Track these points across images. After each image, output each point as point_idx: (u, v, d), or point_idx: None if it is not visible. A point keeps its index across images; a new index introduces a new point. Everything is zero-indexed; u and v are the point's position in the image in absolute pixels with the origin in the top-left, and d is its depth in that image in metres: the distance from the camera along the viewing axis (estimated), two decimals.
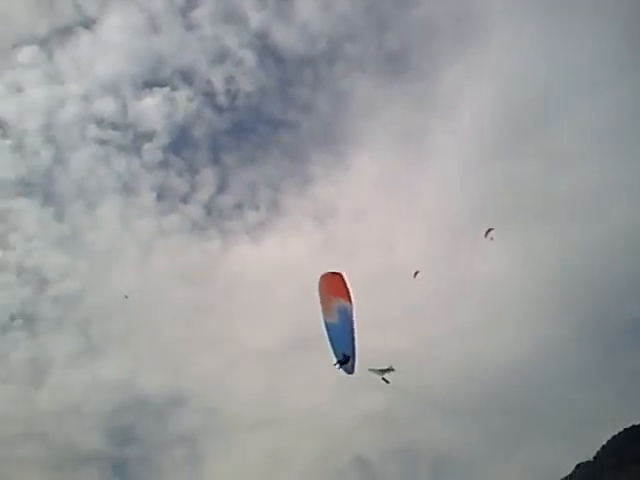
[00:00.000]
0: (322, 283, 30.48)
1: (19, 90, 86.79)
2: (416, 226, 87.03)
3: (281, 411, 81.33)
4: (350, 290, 30.09)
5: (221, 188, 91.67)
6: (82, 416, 77.35)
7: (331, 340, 30.65)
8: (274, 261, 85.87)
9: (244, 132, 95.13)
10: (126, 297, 73.11)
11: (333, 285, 30.22)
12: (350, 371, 31.01)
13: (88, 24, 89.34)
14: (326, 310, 30.53)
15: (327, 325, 30.77)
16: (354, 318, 30.90)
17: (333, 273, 30.37)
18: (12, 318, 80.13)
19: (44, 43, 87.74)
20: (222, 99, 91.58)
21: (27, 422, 76.28)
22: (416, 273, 43.48)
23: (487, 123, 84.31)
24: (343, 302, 30.39)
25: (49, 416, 77.10)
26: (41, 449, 75.09)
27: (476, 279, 79.63)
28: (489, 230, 42.44)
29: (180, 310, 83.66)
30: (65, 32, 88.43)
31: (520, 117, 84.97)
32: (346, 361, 30.04)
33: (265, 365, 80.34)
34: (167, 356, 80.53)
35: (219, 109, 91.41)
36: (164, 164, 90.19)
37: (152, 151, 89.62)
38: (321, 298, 30.57)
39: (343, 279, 29.99)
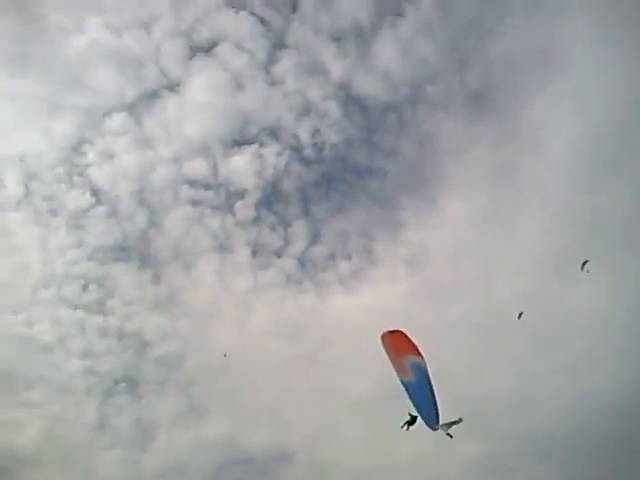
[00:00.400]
0: (386, 343, 30.23)
1: (111, 157, 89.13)
2: (512, 264, 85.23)
3: (386, 461, 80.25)
4: (416, 345, 29.67)
5: (313, 240, 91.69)
6: (188, 476, 77.97)
7: (411, 398, 30.21)
8: (370, 309, 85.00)
9: (332, 182, 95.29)
10: (225, 355, 73.93)
11: (398, 343, 29.98)
12: (435, 427, 30.53)
13: (173, 87, 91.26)
14: (399, 369, 30.19)
15: (404, 384, 30.37)
16: (429, 372, 30.28)
17: (393, 331, 30.05)
18: (116, 382, 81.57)
19: (132, 109, 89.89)
20: (309, 152, 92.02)
21: None
22: (520, 314, 42.80)
23: (576, 155, 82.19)
24: (414, 358, 29.98)
25: (155, 477, 78.00)
26: None
27: (577, 314, 77.25)
28: (585, 262, 41.36)
29: (280, 365, 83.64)
30: (152, 97, 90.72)
31: (609, 146, 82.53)
32: (413, 421, 29.64)
33: (367, 415, 79.43)
34: (269, 411, 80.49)
35: (307, 162, 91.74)
36: (257, 220, 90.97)
37: (244, 208, 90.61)
38: (390, 358, 30.26)
39: (406, 336, 29.69)
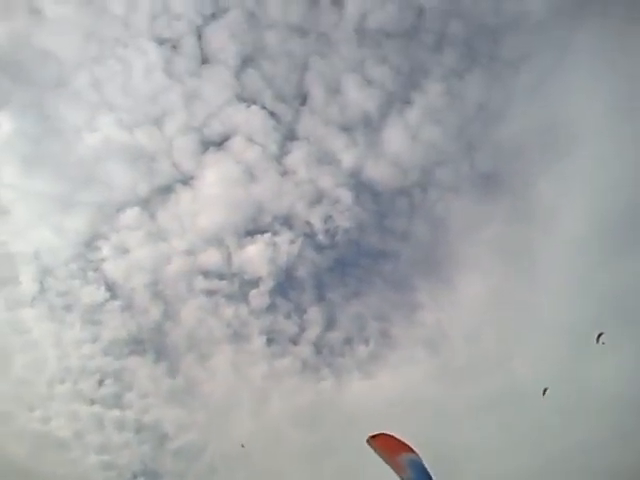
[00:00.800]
0: (376, 446, 29.99)
1: (125, 251, 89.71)
2: (531, 341, 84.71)
3: None
4: (407, 443, 29.44)
5: (329, 325, 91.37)
6: None
7: None
8: (389, 394, 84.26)
9: (346, 267, 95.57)
10: (243, 446, 72.85)
11: (388, 444, 29.70)
12: None
13: (187, 181, 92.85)
14: (397, 468, 29.74)
15: None
16: (425, 465, 29.93)
17: (379, 434, 30.03)
18: (134, 476, 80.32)
19: (146, 203, 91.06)
20: (322, 238, 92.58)
21: None
22: (545, 390, 42.41)
23: (588, 231, 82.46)
24: (409, 455, 29.67)
25: None
26: None
27: (600, 391, 76.29)
28: (600, 335, 41.03)
29: (299, 453, 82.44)
30: (165, 191, 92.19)
31: (623, 220, 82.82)
32: None
33: None
34: None
35: (320, 248, 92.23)
36: (271, 308, 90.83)
37: (259, 296, 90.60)
38: (385, 459, 29.92)
39: (394, 436, 29.57)
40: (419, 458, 29.60)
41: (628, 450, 73.98)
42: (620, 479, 71.48)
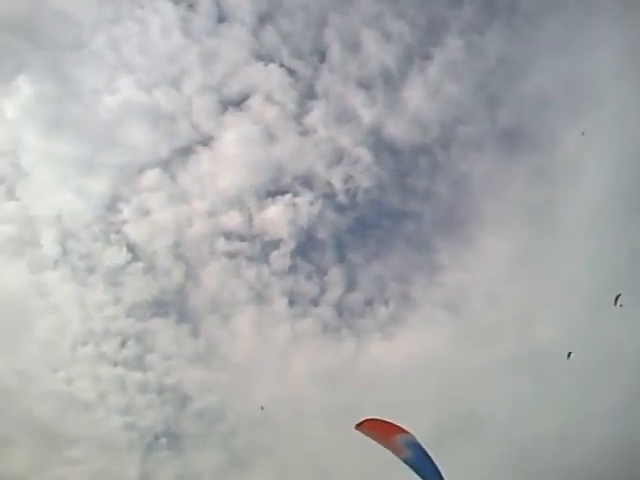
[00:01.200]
0: (367, 431, 29.77)
1: (146, 213, 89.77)
2: (554, 302, 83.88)
3: None
4: (396, 424, 29.20)
5: (350, 287, 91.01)
6: None
7: (417, 472, 29.55)
8: (410, 355, 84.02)
9: (367, 228, 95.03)
10: (262, 408, 73.06)
11: (379, 429, 29.54)
12: None
13: (206, 142, 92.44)
14: (394, 449, 29.53)
15: (404, 461, 29.68)
16: (420, 443, 29.71)
17: (365, 421, 29.82)
18: (157, 437, 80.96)
19: (166, 165, 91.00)
20: (342, 199, 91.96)
21: None
22: (569, 354, 41.92)
23: (613, 188, 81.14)
24: (403, 436, 29.48)
25: None
26: None
27: (623, 352, 75.57)
28: (617, 296, 40.15)
29: (321, 414, 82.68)
30: (185, 152, 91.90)
31: None
32: None
33: None
34: (312, 462, 79.43)
35: (341, 209, 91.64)
36: (293, 269, 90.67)
37: (280, 258, 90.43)
38: (379, 442, 29.69)
39: (381, 420, 29.38)
40: (413, 437, 29.56)
41: None
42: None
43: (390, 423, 29.70)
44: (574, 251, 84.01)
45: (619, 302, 41.03)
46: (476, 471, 77.31)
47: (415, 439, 29.49)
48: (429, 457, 29.43)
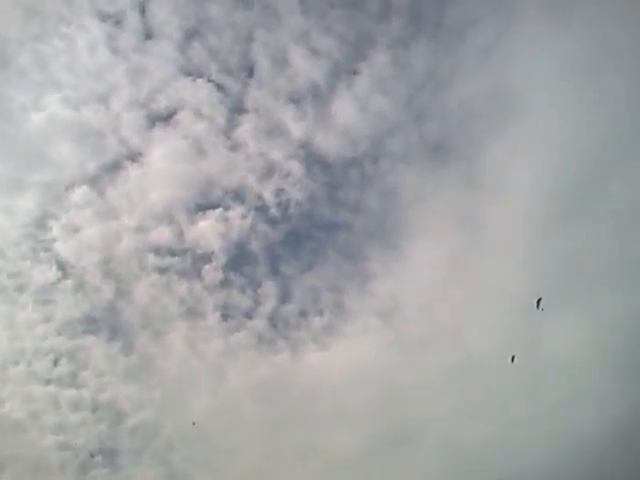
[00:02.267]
0: None
1: (75, 230, 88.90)
2: (483, 309, 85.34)
3: None
4: None
5: (283, 298, 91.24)
6: None
7: None
8: (345, 365, 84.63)
9: (299, 240, 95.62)
10: (194, 424, 72.85)
11: None
12: None
13: (135, 157, 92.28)
14: None
15: None
16: None
17: None
18: (92, 455, 79.90)
19: (95, 181, 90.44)
20: (274, 212, 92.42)
21: None
22: (513, 358, 42.52)
23: (537, 196, 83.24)
24: None
25: None
26: None
27: (554, 359, 77.31)
28: (539, 300, 41.14)
29: (258, 426, 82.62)
30: (114, 168, 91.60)
31: (571, 186, 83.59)
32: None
33: (350, 473, 78.48)
34: (251, 475, 79.27)
35: (273, 222, 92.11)
36: (225, 283, 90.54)
37: (212, 272, 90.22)
38: None
39: None
40: None
41: (587, 408, 75.32)
42: (582, 438, 72.71)
43: None
44: (502, 258, 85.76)
45: (541, 306, 42.16)
46: (417, 477, 78.12)
47: None
48: None
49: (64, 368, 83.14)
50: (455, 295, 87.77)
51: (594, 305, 78.99)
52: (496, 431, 77.27)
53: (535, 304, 40.33)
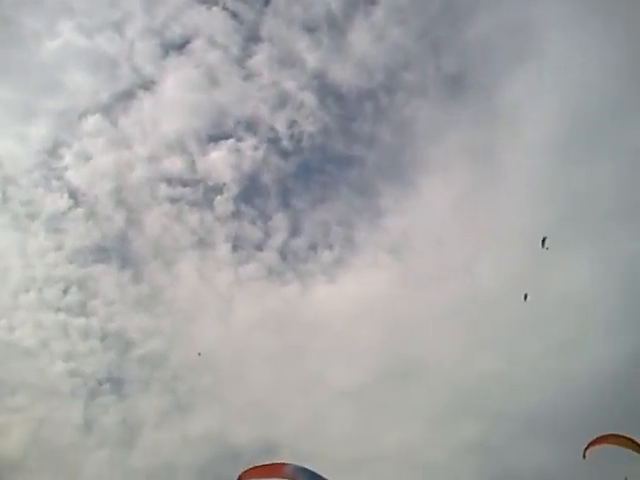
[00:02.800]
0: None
1: (88, 158, 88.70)
2: (495, 246, 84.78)
3: (374, 450, 79.51)
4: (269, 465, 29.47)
5: (294, 231, 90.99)
6: (175, 473, 77.29)
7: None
8: (353, 298, 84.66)
9: (311, 173, 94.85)
10: (199, 354, 73.22)
11: (264, 471, 29.78)
12: None
13: (148, 86, 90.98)
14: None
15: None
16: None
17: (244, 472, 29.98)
18: (100, 383, 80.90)
19: (107, 110, 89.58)
20: (286, 143, 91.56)
21: None
22: (525, 296, 41.95)
23: (555, 135, 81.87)
24: (289, 466, 29.76)
25: (143, 476, 77.34)
26: None
27: (564, 296, 76.76)
28: (544, 239, 40.35)
29: (265, 357, 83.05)
30: (127, 96, 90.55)
31: (587, 124, 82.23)
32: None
33: (354, 404, 78.98)
34: (256, 405, 79.78)
35: (285, 154, 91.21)
36: (236, 214, 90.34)
37: (223, 203, 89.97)
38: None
39: (260, 465, 29.66)
40: (296, 465, 29.59)
41: (596, 346, 75.14)
42: (590, 376, 72.62)
43: (273, 463, 29.67)
44: (514, 195, 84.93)
45: (546, 245, 41.58)
46: (421, 412, 78.60)
47: (298, 465, 29.55)
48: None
49: (74, 296, 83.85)
50: (466, 232, 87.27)
51: (606, 244, 78.37)
52: (502, 368, 77.43)
53: (540, 243, 39.78)
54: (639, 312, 74.59)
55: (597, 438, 28.75)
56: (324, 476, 29.38)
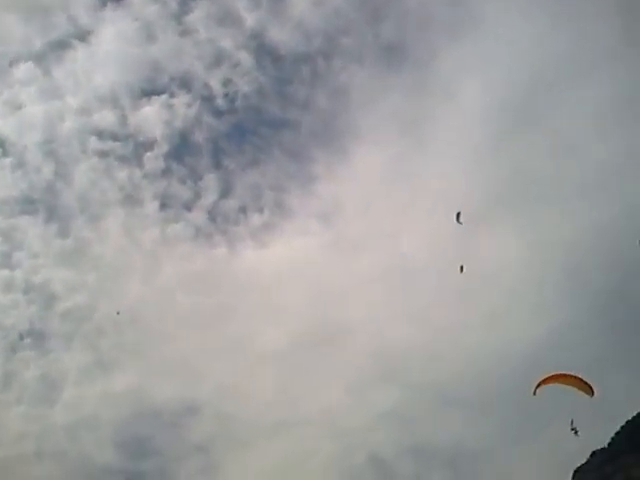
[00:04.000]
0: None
1: (17, 107, 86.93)
2: (423, 216, 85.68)
3: (295, 414, 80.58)
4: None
5: (224, 193, 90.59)
6: (96, 431, 77.22)
7: None
8: (282, 263, 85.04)
9: (245, 134, 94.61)
10: (118, 314, 72.82)
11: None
12: None
13: (83, 36, 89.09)
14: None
15: None
16: None
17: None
18: (21, 337, 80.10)
19: (40, 58, 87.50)
20: (221, 102, 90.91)
21: (41, 440, 76.31)
22: (462, 268, 41.99)
23: (487, 109, 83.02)
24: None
25: (63, 433, 77.09)
26: (56, 466, 75.10)
27: (487, 266, 78.03)
28: (458, 213, 40.55)
29: (190, 317, 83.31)
30: (60, 46, 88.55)
31: (519, 102, 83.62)
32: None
33: (277, 368, 79.77)
34: (179, 365, 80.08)
35: (218, 113, 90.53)
36: (166, 172, 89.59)
37: (153, 160, 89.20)
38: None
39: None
40: None
41: (516, 328, 76.81)
42: (505, 357, 74.21)
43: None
44: (445, 168, 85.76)
45: (460, 219, 42.06)
46: (342, 378, 79.57)
47: None
48: None
49: None
50: (396, 201, 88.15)
51: (533, 220, 79.90)
52: (423, 337, 78.75)
53: (455, 217, 40.25)
54: (563, 286, 76.62)
55: (546, 377, 29.85)
56: None
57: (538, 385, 30.45)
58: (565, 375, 29.80)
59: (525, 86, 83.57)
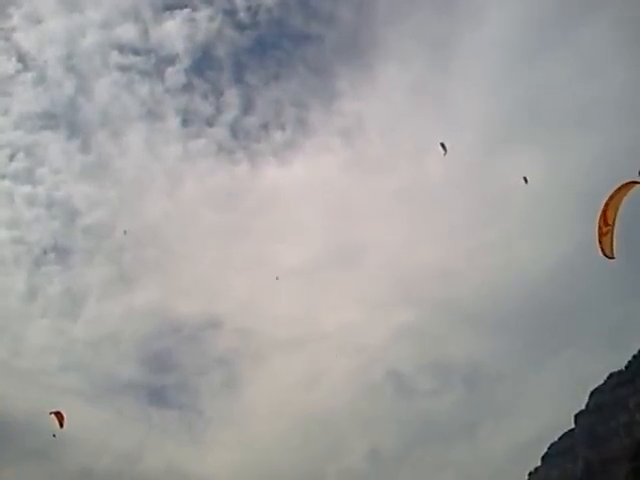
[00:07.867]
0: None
1: (38, 21, 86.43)
2: (447, 136, 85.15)
3: (315, 329, 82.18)
4: None
5: (246, 109, 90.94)
6: (119, 345, 78.81)
7: None
8: (302, 181, 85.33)
9: (267, 49, 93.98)
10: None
11: None
12: None
13: None
14: None
15: None
16: None
17: None
18: (45, 252, 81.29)
19: None
20: (243, 16, 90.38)
21: (65, 354, 78.04)
22: (525, 179, 41.44)
23: (514, 27, 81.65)
24: None
25: (86, 347, 78.66)
26: (80, 379, 76.90)
27: (509, 187, 78.13)
28: (442, 144, 40.30)
29: (211, 234, 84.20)
30: None
31: (545, 23, 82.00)
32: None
33: (298, 284, 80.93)
34: (201, 280, 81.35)
35: (241, 27, 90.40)
36: (188, 87, 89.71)
37: (175, 75, 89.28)
38: None
39: None
40: None
41: (533, 248, 77.21)
42: (522, 277, 74.70)
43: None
44: (468, 89, 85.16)
45: (444, 151, 41.61)
46: (361, 295, 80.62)
47: None
48: None
49: (20, 163, 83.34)
50: (419, 119, 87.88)
51: (554, 144, 79.52)
52: (443, 258, 79.31)
53: (441, 147, 39.82)
54: (584, 208, 76.72)
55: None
56: None
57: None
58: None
59: (551, 10, 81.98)
